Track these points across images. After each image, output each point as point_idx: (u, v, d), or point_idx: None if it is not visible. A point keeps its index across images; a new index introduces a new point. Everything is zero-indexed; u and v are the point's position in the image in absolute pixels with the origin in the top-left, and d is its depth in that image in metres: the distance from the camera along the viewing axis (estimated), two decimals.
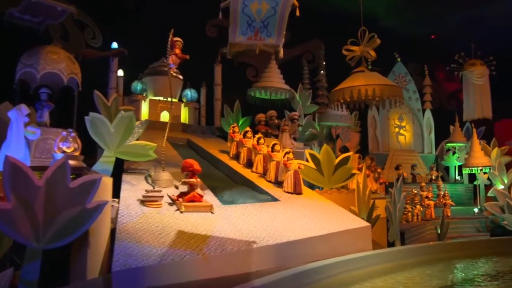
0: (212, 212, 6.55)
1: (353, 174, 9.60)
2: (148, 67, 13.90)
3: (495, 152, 15.92)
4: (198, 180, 6.81)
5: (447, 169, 17.87)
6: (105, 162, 7.75)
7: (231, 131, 10.60)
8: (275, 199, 7.88)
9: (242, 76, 15.69)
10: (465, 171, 16.20)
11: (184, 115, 14.05)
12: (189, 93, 14.22)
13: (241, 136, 10.22)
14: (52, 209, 4.57)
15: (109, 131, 7.72)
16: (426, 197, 13.27)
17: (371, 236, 7.18)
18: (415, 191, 13.02)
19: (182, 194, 6.74)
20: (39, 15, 8.17)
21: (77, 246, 5.05)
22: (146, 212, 6.22)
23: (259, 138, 9.76)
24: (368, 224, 7.28)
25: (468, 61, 17.46)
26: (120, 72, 13.29)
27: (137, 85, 13.51)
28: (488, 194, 15.17)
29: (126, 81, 13.55)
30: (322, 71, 16.84)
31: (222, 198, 7.38)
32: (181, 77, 13.91)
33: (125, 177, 7.79)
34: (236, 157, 10.23)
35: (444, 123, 18.21)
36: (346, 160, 9.71)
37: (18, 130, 6.67)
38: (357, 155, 10.78)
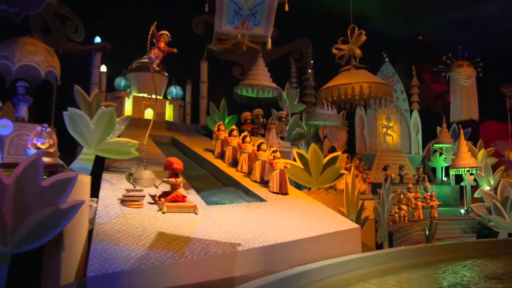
0: (195, 213, 6.27)
1: (342, 174, 9.39)
2: (132, 62, 13.54)
3: (481, 153, 15.92)
4: (181, 179, 6.51)
5: (433, 170, 17.85)
6: (84, 160, 7.41)
7: (216, 129, 10.33)
8: (261, 200, 7.63)
9: (229, 74, 15.44)
10: (452, 172, 16.16)
11: (169, 112, 13.74)
12: (174, 90, 13.90)
13: (227, 135, 9.96)
14: (22, 209, 4.24)
15: (89, 127, 7.38)
16: (414, 198, 13.17)
17: (360, 238, 6.96)
18: (399, 191, 12.89)
19: (164, 194, 6.44)
20: (16, 5, 7.77)
21: (50, 250, 4.71)
22: (126, 212, 5.90)
23: (244, 137, 9.51)
24: (357, 225, 7.07)
25: (456, 62, 17.41)
26: (103, 68, 12.93)
27: (120, 81, 13.14)
28: (475, 196, 15.15)
29: (109, 77, 13.19)
30: (309, 70, 16.69)
31: (207, 198, 7.10)
32: (166, 73, 13.59)
33: (106, 176, 7.46)
34: (221, 156, 9.97)
35: (431, 124, 18.19)
36: (334, 160, 9.50)
37: None
38: (345, 155, 10.59)
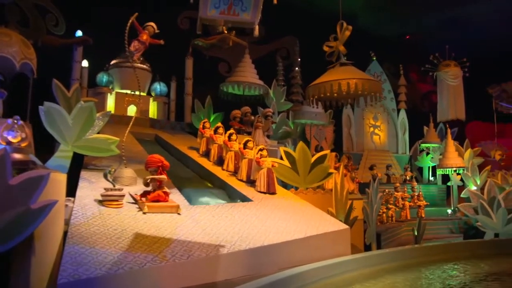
0: (178, 213, 5.95)
1: (330, 174, 9.16)
2: (115, 58, 13.13)
3: (468, 153, 15.89)
4: (164, 177, 6.19)
5: (420, 169, 17.80)
6: (61, 157, 7.01)
7: (201, 126, 10.01)
8: (247, 200, 7.35)
9: (214, 71, 15.14)
10: (439, 172, 16.10)
11: (153, 109, 13.37)
12: (158, 86, 13.54)
13: (212, 132, 9.65)
14: None
15: (67, 123, 6.99)
16: (401, 197, 13.03)
17: (350, 239, 6.73)
18: (387, 190, 12.75)
19: (145, 193, 6.11)
20: None
21: (19, 254, 4.34)
22: (104, 213, 5.56)
23: (230, 134, 9.21)
24: (347, 226, 6.83)
25: (443, 62, 17.36)
26: (85, 63, 12.49)
27: (102, 77, 12.74)
28: (462, 195, 15.11)
29: (91, 72, 12.75)
30: (297, 68, 16.48)
31: (190, 198, 6.79)
32: (149, 69, 13.21)
33: (84, 174, 7.09)
34: (206, 154, 9.65)
35: (418, 124, 18.14)
36: (322, 159, 9.27)
37: None
38: (333, 153, 10.36)
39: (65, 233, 5.27)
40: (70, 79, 11.77)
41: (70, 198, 6.07)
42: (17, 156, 4.93)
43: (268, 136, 12.00)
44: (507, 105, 20.06)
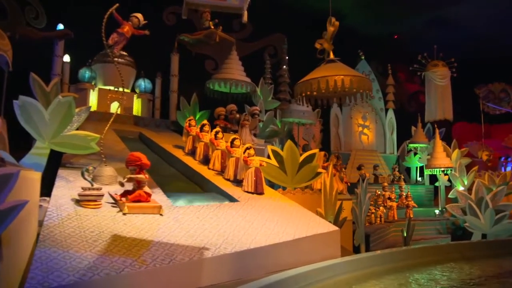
0: (161, 214, 5.64)
1: (319, 173, 8.93)
2: (98, 52, 12.71)
3: (455, 153, 15.88)
4: (146, 176, 5.87)
5: (408, 170, 17.73)
6: (37, 155, 6.67)
7: (187, 124, 9.69)
8: (234, 200, 7.06)
9: (201, 68, 14.86)
10: (427, 172, 16.03)
11: (137, 107, 12.98)
12: (143, 83, 13.15)
13: (198, 130, 9.34)
14: None
15: (43, 118, 6.64)
16: (389, 198, 12.89)
17: (340, 241, 6.50)
18: (378, 192, 12.62)
19: (126, 193, 5.78)
20: None
21: None
22: (81, 213, 5.22)
23: (217, 132, 8.92)
24: (337, 228, 6.59)
25: (431, 62, 17.35)
26: (67, 58, 12.06)
27: (85, 72, 12.29)
28: (449, 196, 15.07)
29: (73, 67, 12.32)
30: (284, 66, 16.28)
31: (174, 198, 6.47)
32: (133, 65, 12.83)
33: (62, 172, 6.74)
34: (192, 153, 9.34)
35: (405, 124, 18.08)
36: (311, 158, 9.04)
37: None
38: (322, 152, 10.13)
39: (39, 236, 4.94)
40: (51, 74, 11.35)
41: (45, 198, 5.73)
42: None
43: (255, 135, 11.73)
44: (494, 106, 20.15)
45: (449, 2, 19.06)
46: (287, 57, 16.46)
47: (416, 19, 20.21)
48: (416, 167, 17.36)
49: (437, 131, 15.69)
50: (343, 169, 11.35)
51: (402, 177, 15.59)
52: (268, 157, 9.12)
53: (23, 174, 4.01)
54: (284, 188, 9.06)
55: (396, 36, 21.39)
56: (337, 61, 9.33)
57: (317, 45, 9.25)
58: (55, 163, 7.28)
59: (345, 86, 8.40)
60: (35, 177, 5.15)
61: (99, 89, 12.33)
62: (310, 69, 10.35)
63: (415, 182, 17.14)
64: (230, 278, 4.90)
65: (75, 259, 4.08)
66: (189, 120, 9.82)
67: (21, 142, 7.60)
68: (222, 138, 8.87)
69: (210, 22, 11.83)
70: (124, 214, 5.42)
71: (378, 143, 17.84)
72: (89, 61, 12.72)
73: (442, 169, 15.09)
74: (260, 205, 7.06)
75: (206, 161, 8.94)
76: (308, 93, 8.80)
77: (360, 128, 17.38)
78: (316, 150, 9.36)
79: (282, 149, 9.20)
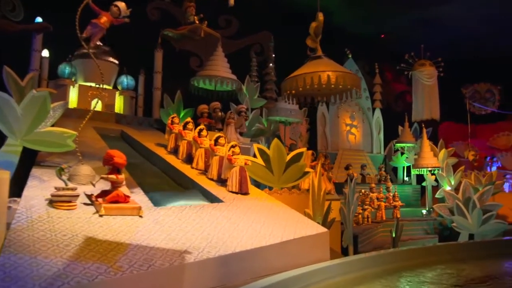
0: (140, 216, 5.31)
1: (306, 173, 8.67)
2: (78, 47, 12.26)
3: (442, 153, 15.82)
4: (123, 176, 5.53)
5: (395, 169, 17.63)
6: (8, 152, 6.27)
7: (170, 122, 9.35)
8: (218, 200, 6.76)
9: (185, 65, 14.45)
10: (414, 172, 15.93)
11: (119, 104, 12.60)
12: (125, 80, 12.77)
13: (181, 128, 9.00)
14: None
15: (16, 113, 6.26)
16: (377, 198, 12.72)
17: (329, 243, 6.24)
18: (363, 191, 12.42)
19: (103, 193, 5.44)
20: None
21: None
22: (54, 215, 4.87)
23: (201, 130, 8.59)
24: (326, 230, 6.34)
25: (418, 61, 17.22)
26: (45, 52, 11.62)
27: (65, 68, 11.87)
28: (436, 196, 14.98)
29: (53, 63, 11.88)
30: (271, 64, 15.98)
31: (155, 199, 6.14)
32: (116, 61, 12.42)
33: (35, 172, 6.35)
34: (175, 151, 9.01)
35: (392, 123, 17.98)
36: (298, 157, 8.78)
37: None
38: (310, 151, 9.87)
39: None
40: (29, 70, 10.90)
41: (15, 199, 5.35)
42: None
43: (240, 133, 11.43)
44: (480, 105, 20.20)
45: (436, 2, 19.00)
46: (273, 55, 16.17)
47: (403, 19, 20.09)
48: (403, 167, 17.26)
49: (424, 130, 15.61)
50: (331, 169, 11.12)
51: (389, 177, 15.43)
52: (254, 156, 8.84)
53: None
54: (270, 188, 8.78)
55: (383, 36, 21.28)
56: (323, 57, 9.05)
57: (308, 42, 8.96)
58: (29, 162, 6.90)
59: (329, 81, 8.11)
60: (4, 176, 4.78)
61: (80, 85, 11.92)
62: (296, 67, 10.11)
63: (402, 182, 17.04)
64: (214, 284, 4.60)
65: (43, 266, 3.74)
66: (172, 117, 9.48)
67: None
68: (206, 136, 8.56)
69: (195, 17, 11.49)
70: (101, 215, 5.08)
71: (365, 143, 17.70)
72: (69, 56, 12.28)
73: (429, 169, 14.99)
74: (246, 206, 6.77)
75: (189, 160, 8.61)
76: (300, 88, 8.49)
77: (348, 128, 17.22)
78: (303, 149, 9.11)
79: (268, 148, 8.92)
